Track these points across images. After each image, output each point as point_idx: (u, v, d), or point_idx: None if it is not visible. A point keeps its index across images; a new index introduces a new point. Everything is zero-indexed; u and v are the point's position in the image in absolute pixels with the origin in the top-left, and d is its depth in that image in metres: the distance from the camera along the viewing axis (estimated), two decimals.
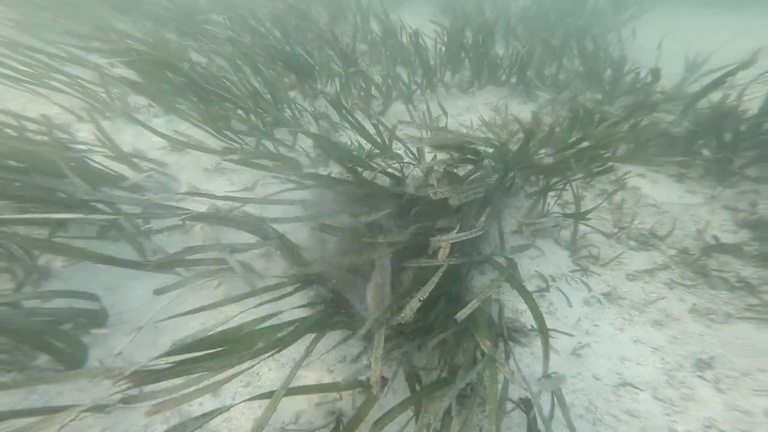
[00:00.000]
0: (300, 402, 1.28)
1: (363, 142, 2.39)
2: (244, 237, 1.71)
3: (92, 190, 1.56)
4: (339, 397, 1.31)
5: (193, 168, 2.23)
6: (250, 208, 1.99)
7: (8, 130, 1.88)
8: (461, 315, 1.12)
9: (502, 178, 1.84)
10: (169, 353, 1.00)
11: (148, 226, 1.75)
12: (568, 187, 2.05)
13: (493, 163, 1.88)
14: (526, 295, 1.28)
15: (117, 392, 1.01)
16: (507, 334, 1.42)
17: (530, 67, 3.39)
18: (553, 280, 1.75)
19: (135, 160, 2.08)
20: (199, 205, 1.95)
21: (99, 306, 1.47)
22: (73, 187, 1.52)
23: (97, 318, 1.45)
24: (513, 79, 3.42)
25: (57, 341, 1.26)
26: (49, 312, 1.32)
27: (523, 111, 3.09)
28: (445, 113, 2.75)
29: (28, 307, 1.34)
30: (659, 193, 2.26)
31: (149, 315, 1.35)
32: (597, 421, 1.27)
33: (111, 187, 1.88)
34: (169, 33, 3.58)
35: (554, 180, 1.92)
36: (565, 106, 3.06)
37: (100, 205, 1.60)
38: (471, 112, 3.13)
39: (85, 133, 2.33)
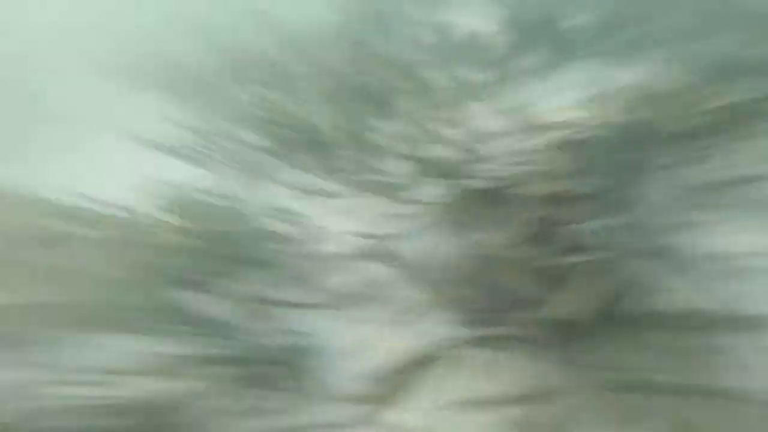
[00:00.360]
0: None
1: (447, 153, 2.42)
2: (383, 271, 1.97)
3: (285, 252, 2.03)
4: None
5: (321, 211, 2.65)
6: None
7: None
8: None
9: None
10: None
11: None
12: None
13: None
14: None
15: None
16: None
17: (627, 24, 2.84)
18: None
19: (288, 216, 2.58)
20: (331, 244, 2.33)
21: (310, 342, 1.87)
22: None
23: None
24: (602, 47, 2.92)
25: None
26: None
27: (625, 78, 2.60)
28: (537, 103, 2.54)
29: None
30: None
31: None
32: None
33: (286, 246, 2.37)
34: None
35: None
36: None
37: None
38: (561, 95, 2.81)
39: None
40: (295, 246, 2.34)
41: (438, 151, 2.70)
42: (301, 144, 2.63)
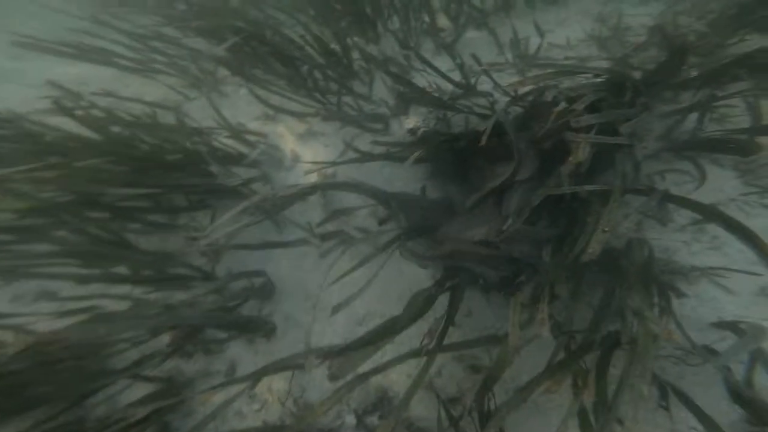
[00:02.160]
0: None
1: (442, 83, 2.14)
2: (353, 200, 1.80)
3: (227, 172, 1.79)
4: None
5: (288, 135, 2.35)
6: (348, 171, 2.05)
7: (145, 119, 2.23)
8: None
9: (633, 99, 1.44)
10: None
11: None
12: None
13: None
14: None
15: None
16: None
17: None
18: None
19: (245, 135, 2.28)
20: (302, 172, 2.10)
21: (266, 280, 1.73)
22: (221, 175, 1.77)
23: (266, 291, 1.71)
24: None
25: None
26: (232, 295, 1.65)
27: (638, 16, 2.28)
28: (541, 32, 2.23)
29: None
30: None
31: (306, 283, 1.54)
32: None
33: (237, 166, 2.12)
34: None
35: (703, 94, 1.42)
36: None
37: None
38: (565, 26, 2.47)
39: (194, 112, 2.58)
40: (255, 171, 2.09)
41: (425, 80, 2.39)
42: (268, 57, 2.22)
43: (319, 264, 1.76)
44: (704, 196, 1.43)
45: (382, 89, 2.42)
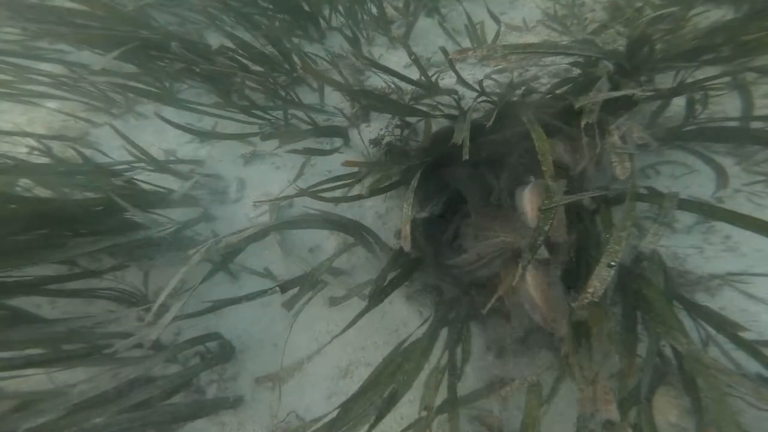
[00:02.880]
0: None
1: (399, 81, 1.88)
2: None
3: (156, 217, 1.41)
4: None
5: (230, 158, 1.95)
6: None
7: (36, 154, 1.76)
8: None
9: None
10: None
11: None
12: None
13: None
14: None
15: None
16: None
17: None
18: (722, 202, 1.25)
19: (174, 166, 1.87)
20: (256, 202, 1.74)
21: (222, 342, 1.40)
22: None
23: (224, 354, 1.40)
24: None
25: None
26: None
27: None
28: (497, 20, 2.02)
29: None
30: None
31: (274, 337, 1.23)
32: None
33: (163, 206, 1.73)
34: None
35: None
36: None
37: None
38: (516, 6, 2.29)
39: (105, 140, 2.10)
40: (194, 209, 1.71)
41: (379, 81, 2.10)
42: (186, 69, 1.82)
43: (286, 315, 1.46)
44: (707, 189, 1.30)
45: (335, 95, 2.11)
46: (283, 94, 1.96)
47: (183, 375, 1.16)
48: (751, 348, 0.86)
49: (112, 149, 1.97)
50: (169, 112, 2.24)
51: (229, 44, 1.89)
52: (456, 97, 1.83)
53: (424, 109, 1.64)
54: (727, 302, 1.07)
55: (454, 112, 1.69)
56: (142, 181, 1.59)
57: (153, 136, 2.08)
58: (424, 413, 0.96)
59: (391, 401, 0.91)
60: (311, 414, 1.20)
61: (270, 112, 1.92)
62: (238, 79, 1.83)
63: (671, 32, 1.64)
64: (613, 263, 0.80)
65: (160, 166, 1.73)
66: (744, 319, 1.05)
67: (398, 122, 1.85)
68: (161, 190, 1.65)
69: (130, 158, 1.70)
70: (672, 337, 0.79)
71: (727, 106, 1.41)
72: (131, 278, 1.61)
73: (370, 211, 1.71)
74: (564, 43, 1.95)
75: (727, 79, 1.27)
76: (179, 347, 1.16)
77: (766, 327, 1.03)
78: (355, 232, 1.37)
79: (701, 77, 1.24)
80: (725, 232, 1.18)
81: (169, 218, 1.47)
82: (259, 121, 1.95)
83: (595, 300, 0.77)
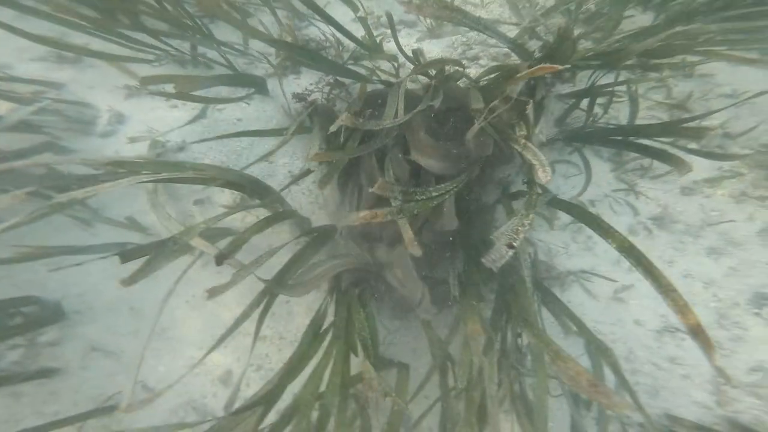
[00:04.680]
0: None
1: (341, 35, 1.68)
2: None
3: None
4: None
5: (107, 87, 1.55)
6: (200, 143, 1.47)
7: None
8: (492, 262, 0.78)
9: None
10: None
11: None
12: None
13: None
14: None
15: None
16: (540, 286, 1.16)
17: None
18: (593, 205, 1.41)
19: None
20: (130, 139, 1.40)
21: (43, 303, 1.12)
22: None
23: (46, 316, 1.12)
24: None
25: None
26: None
27: None
28: None
29: None
30: (741, 80, 1.70)
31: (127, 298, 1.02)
32: (636, 372, 1.12)
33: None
34: None
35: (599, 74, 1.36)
36: None
37: None
38: None
39: None
40: (38, 136, 1.33)
41: (318, 32, 1.86)
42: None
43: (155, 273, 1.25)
44: (588, 191, 1.46)
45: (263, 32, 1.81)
46: (192, 24, 1.59)
47: None
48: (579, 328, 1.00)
49: None
50: (8, 15, 1.66)
51: None
52: (396, 64, 1.72)
53: (362, 72, 1.49)
54: (572, 296, 1.24)
55: (392, 79, 1.58)
56: None
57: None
58: None
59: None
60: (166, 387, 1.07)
61: (171, 43, 1.55)
62: None
63: (600, 30, 1.75)
64: (514, 245, 0.80)
65: None
66: (579, 312, 1.22)
67: (331, 80, 1.67)
68: None
69: None
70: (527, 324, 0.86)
71: (623, 112, 1.56)
72: None
73: (282, 170, 1.54)
74: (510, 22, 1.95)
75: (626, 84, 1.39)
76: None
77: (589, 320, 1.21)
78: (257, 194, 1.20)
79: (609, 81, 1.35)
80: (588, 233, 1.35)
81: None
82: (157, 52, 1.57)
83: (494, 269, 0.77)
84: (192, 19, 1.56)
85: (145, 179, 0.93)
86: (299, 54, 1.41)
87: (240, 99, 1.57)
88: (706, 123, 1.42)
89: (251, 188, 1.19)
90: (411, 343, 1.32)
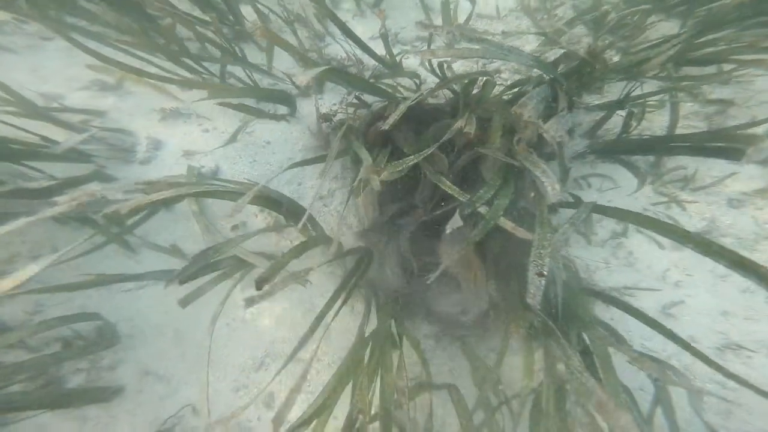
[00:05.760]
0: None
1: (360, 52, 1.72)
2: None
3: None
4: None
5: (144, 113, 1.62)
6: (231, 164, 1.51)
7: None
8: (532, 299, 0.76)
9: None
10: None
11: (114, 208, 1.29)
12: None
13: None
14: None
15: None
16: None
17: None
18: None
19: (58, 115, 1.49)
20: (172, 166, 1.46)
21: (101, 324, 1.15)
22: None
23: (104, 339, 1.15)
24: None
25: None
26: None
27: None
28: (472, 1, 1.94)
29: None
30: None
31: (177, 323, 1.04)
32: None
33: (36, 160, 1.37)
34: None
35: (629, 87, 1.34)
36: None
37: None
38: None
39: None
40: (86, 166, 1.39)
41: (340, 50, 1.92)
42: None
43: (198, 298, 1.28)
44: (620, 204, 1.41)
45: (285, 59, 1.88)
46: (226, 46, 1.66)
47: (25, 365, 0.91)
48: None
49: None
50: (56, 47, 1.77)
51: None
52: (417, 81, 1.74)
53: (387, 89, 1.52)
54: (616, 314, 1.18)
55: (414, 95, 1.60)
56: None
57: (27, 76, 1.64)
58: None
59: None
60: (213, 410, 1.08)
61: (203, 64, 1.63)
62: (168, 19, 1.50)
63: (627, 39, 1.72)
64: (544, 273, 0.79)
65: (37, 112, 1.36)
66: (623, 329, 1.16)
67: (354, 99, 1.70)
68: (35, 140, 1.30)
69: None
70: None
71: (656, 123, 1.52)
72: None
73: (310, 192, 1.57)
74: (530, 33, 1.95)
75: (661, 95, 1.36)
76: (32, 329, 0.92)
77: (636, 339, 1.15)
78: (292, 214, 1.22)
79: (643, 92, 1.32)
80: (630, 248, 1.30)
81: (42, 172, 1.17)
82: (188, 74, 1.65)
83: (536, 307, 0.76)
84: (229, 42, 1.64)
85: (189, 191, 0.97)
86: (334, 74, 1.45)
87: (279, 118, 1.62)
88: (751, 131, 1.38)
89: (288, 207, 1.21)
90: (447, 364, 1.28)
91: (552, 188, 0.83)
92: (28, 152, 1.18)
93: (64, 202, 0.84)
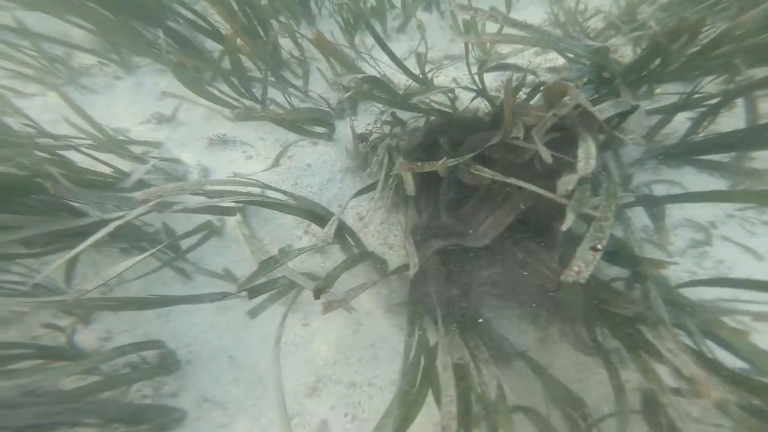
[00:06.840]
0: None
1: (392, 72, 1.75)
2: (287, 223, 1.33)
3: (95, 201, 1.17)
4: None
5: (194, 143, 1.73)
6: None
7: None
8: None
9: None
10: None
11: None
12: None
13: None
14: None
15: None
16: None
17: None
18: (714, 227, 1.21)
19: (126, 146, 1.61)
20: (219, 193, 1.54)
21: (164, 351, 1.18)
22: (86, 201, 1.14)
23: (165, 366, 1.19)
24: None
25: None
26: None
27: None
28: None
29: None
30: None
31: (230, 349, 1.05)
32: None
33: (112, 190, 1.48)
34: None
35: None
36: None
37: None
38: (519, 7, 2.23)
39: (37, 114, 1.79)
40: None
41: (371, 71, 1.96)
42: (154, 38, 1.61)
43: (249, 322, 1.28)
44: (698, 212, 1.26)
45: (320, 82, 1.95)
46: (268, 73, 1.75)
47: (98, 387, 0.94)
48: None
49: (47, 122, 1.70)
50: (124, 86, 1.98)
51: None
52: (451, 96, 1.73)
53: (422, 105, 1.52)
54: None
55: (448, 110, 1.58)
56: (94, 159, 1.36)
57: (101, 113, 1.83)
58: None
59: None
60: None
61: (249, 91, 1.72)
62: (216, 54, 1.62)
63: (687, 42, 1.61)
64: (599, 246, 0.75)
65: (110, 146, 1.49)
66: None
67: (388, 118, 1.71)
68: (109, 172, 1.42)
69: (70, 133, 1.46)
70: None
71: (724, 125, 1.38)
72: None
73: (350, 212, 1.57)
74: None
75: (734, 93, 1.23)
76: (103, 356, 0.96)
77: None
78: (337, 233, 1.22)
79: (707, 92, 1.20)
80: (719, 257, 1.14)
81: (114, 205, 1.25)
82: (235, 105, 1.75)
83: (581, 281, 0.70)
84: (274, 67, 1.73)
85: (246, 199, 1.01)
86: (373, 81, 1.46)
87: (320, 137, 1.66)
88: None
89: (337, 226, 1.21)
90: (507, 380, 1.18)
91: (585, 162, 0.80)
92: (104, 183, 1.29)
93: (140, 198, 0.90)
